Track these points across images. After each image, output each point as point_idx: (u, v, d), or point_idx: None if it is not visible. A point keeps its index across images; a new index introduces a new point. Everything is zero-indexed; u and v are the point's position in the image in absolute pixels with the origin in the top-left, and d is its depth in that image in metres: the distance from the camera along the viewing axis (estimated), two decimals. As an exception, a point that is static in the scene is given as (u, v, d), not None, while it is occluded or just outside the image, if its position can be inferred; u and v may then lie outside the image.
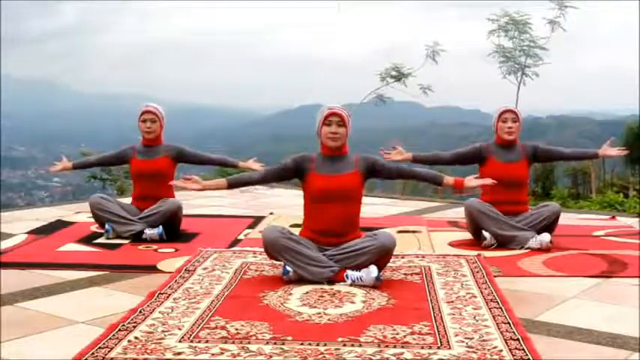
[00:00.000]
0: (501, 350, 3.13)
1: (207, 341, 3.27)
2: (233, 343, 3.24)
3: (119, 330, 3.38)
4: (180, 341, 3.26)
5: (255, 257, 4.94)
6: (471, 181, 4.80)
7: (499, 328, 3.41)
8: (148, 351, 3.14)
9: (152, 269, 4.77)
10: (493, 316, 3.61)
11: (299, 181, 4.61)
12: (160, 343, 3.24)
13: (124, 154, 6.08)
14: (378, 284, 4.19)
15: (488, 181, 4.87)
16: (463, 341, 3.26)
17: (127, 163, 6.14)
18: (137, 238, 5.64)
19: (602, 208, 9.69)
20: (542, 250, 5.23)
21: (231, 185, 4.69)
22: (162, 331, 3.39)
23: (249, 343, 3.24)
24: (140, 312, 3.68)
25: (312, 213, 4.50)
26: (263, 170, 4.82)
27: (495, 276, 4.47)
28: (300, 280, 4.27)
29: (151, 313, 3.68)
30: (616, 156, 5.96)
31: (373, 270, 4.21)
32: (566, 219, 6.23)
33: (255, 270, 4.62)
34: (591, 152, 5.98)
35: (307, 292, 4.08)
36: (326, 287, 4.18)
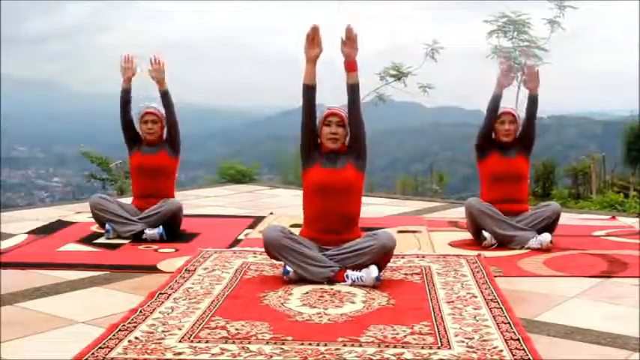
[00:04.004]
0: (502, 350, 3.13)
1: (207, 341, 3.27)
2: (233, 343, 3.25)
3: (119, 330, 3.38)
4: (180, 341, 3.26)
5: (255, 257, 4.94)
6: (344, 48, 4.44)
7: (499, 328, 3.42)
8: (149, 351, 3.14)
9: (152, 269, 4.77)
10: (493, 316, 3.61)
11: (301, 167, 4.58)
12: (160, 343, 3.24)
13: (135, 136, 5.98)
14: (378, 284, 4.19)
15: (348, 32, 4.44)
16: (463, 341, 3.26)
17: (129, 141, 6.02)
18: (137, 238, 5.64)
19: (602, 208, 9.69)
20: (542, 250, 5.23)
21: (310, 88, 4.43)
22: (163, 331, 3.40)
23: (249, 343, 3.24)
24: (140, 312, 3.68)
25: (312, 210, 4.50)
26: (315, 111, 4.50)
27: (495, 276, 4.47)
28: (300, 280, 4.27)
29: (152, 313, 3.68)
30: (505, 73, 5.68)
31: (373, 270, 4.21)
32: (566, 219, 6.23)
33: (256, 270, 4.62)
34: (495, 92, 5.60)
35: (307, 292, 4.08)
36: (326, 287, 4.18)
